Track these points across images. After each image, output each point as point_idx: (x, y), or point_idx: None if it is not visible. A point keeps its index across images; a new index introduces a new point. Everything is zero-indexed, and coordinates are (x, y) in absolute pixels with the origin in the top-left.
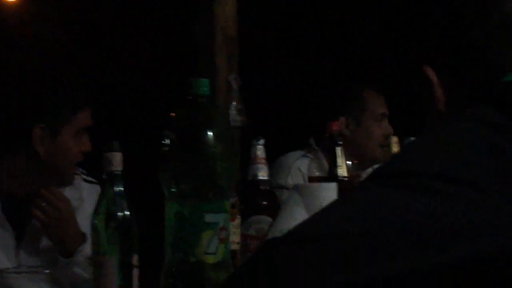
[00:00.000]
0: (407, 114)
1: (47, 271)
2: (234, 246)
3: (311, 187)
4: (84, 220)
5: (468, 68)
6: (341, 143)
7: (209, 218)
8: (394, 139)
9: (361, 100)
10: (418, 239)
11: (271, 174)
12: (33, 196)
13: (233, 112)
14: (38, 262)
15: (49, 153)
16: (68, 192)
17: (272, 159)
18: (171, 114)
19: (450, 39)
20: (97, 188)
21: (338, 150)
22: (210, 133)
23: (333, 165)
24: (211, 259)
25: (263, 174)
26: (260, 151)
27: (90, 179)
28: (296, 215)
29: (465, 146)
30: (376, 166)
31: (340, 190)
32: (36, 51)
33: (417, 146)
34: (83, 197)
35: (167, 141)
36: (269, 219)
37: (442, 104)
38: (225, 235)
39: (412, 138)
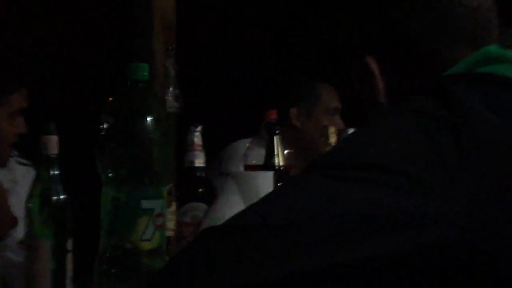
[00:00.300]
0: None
1: None
2: (169, 233)
3: (248, 176)
4: (17, 203)
5: (408, 60)
6: (279, 131)
7: (145, 204)
8: (332, 129)
9: (315, 93)
10: (351, 228)
11: (222, 160)
12: None
13: (169, 98)
14: None
15: None
16: (0, 174)
17: (209, 147)
18: (109, 98)
19: (390, 30)
20: (31, 171)
21: (276, 139)
22: (148, 119)
23: (271, 154)
24: (146, 246)
25: (199, 161)
26: (197, 138)
27: (24, 161)
28: (232, 203)
29: (402, 137)
30: None
31: (277, 179)
32: None
33: (354, 137)
34: (16, 179)
35: (105, 126)
36: (205, 206)
37: (383, 97)
38: (161, 222)
39: (351, 130)
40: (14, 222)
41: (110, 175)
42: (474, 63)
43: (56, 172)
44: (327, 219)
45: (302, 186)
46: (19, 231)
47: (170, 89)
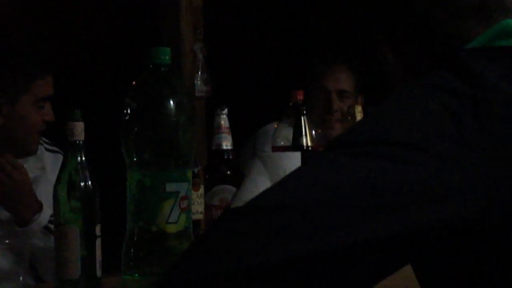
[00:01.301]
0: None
1: (7, 241)
2: (198, 216)
3: (275, 157)
4: (46, 190)
5: (423, 39)
6: (306, 112)
7: (170, 187)
8: (358, 108)
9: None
10: (378, 205)
11: (255, 143)
12: None
13: (198, 82)
14: (1, 234)
15: (8, 122)
16: (30, 161)
17: (238, 129)
18: (133, 82)
19: (401, 10)
20: (60, 157)
21: (303, 119)
22: (171, 102)
23: (298, 134)
24: (172, 229)
25: (227, 144)
26: (223, 120)
27: (53, 148)
28: (259, 184)
29: (422, 112)
30: None
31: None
32: None
33: (374, 114)
34: (45, 167)
35: (129, 110)
36: (233, 189)
37: (400, 80)
38: (186, 205)
39: None
40: (38, 207)
41: (134, 159)
42: (493, 36)
43: (83, 158)
44: (352, 196)
45: (325, 164)
46: (44, 217)
47: (199, 73)
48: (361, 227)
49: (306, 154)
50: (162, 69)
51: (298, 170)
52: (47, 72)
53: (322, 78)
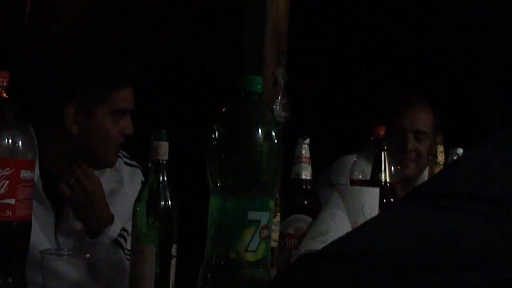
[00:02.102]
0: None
1: (88, 256)
2: (273, 244)
3: (353, 190)
4: (122, 203)
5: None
6: (386, 147)
7: (252, 215)
8: (440, 148)
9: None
10: (456, 260)
11: (331, 173)
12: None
13: (277, 107)
14: (73, 243)
15: (83, 132)
16: (108, 173)
17: (313, 157)
18: (222, 108)
19: (500, 51)
20: (138, 172)
21: (383, 155)
22: (259, 131)
23: (377, 169)
24: (251, 257)
25: (306, 174)
26: (305, 150)
27: (132, 162)
28: (336, 217)
29: (505, 167)
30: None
31: (382, 196)
32: (72, 24)
33: (457, 166)
34: (122, 180)
35: (216, 135)
36: (309, 219)
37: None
38: (267, 234)
39: (459, 149)
40: (110, 220)
41: (218, 184)
42: None
43: (165, 178)
44: (436, 249)
45: (409, 214)
46: (115, 230)
47: (279, 98)
48: (443, 281)
49: (389, 203)
50: (253, 97)
51: (379, 217)
52: (126, 84)
53: (399, 116)
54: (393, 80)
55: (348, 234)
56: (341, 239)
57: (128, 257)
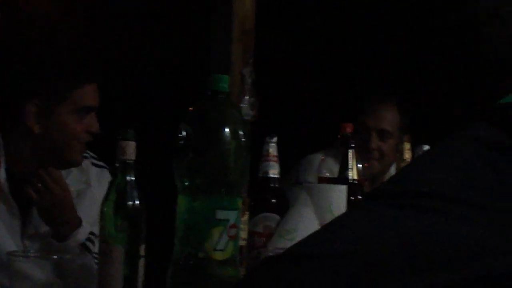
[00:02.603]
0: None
1: (55, 257)
2: (241, 243)
3: (321, 188)
4: (89, 205)
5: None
6: (354, 145)
7: (220, 214)
8: (407, 146)
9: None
10: (418, 260)
11: (299, 171)
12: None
13: (245, 106)
14: (40, 247)
15: (45, 131)
16: (75, 174)
17: (280, 155)
18: (190, 108)
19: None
20: (105, 173)
21: (350, 153)
22: (227, 130)
23: (344, 167)
24: (219, 256)
25: (274, 172)
26: (272, 148)
27: (99, 163)
28: (304, 215)
29: (465, 166)
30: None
31: (349, 194)
32: (31, 21)
33: (416, 165)
34: (90, 181)
35: (184, 135)
36: (277, 217)
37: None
38: (235, 233)
39: (426, 146)
40: (78, 223)
41: (186, 183)
42: None
43: (132, 178)
44: (392, 250)
45: (366, 215)
46: (82, 233)
47: (246, 97)
48: (425, 280)
49: (357, 189)
50: (221, 96)
51: (342, 218)
52: (89, 81)
53: (365, 115)
54: (361, 79)
55: (316, 234)
56: (305, 241)
57: (97, 261)
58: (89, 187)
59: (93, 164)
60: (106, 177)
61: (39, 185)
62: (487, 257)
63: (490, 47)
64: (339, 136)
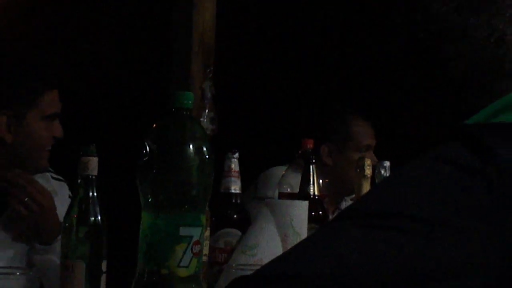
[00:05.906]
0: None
1: (19, 272)
2: (203, 258)
3: (282, 204)
4: (59, 213)
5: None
6: (314, 160)
7: (183, 231)
8: (367, 161)
9: (347, 130)
10: (390, 280)
11: (258, 186)
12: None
13: (205, 120)
14: (11, 253)
15: (17, 139)
16: (41, 183)
17: (243, 170)
18: (154, 125)
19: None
20: (65, 186)
21: (312, 168)
22: (190, 147)
23: (306, 182)
24: (183, 273)
25: (235, 188)
26: (234, 164)
27: (58, 177)
28: (265, 231)
29: (434, 186)
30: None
31: (311, 209)
32: None
33: (386, 185)
34: (56, 191)
35: (148, 151)
36: (239, 233)
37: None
38: (199, 250)
39: (386, 162)
40: (60, 228)
41: (149, 200)
42: (495, 111)
43: (94, 194)
44: (361, 271)
45: (336, 236)
46: None
47: (206, 111)
48: None
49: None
50: (184, 113)
51: (309, 239)
52: (52, 86)
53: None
54: (322, 95)
55: (279, 258)
56: (274, 261)
57: None
58: (56, 196)
59: (53, 177)
60: (66, 190)
61: (27, 199)
62: (458, 277)
63: (457, 65)
64: (300, 151)
